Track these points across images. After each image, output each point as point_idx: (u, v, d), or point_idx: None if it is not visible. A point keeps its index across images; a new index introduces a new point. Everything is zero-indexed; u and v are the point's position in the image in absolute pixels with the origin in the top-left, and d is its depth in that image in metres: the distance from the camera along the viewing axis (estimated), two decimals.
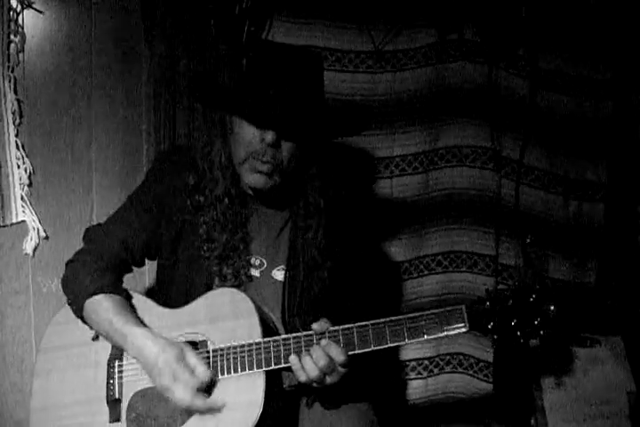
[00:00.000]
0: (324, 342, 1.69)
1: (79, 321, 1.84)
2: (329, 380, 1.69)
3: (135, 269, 1.99)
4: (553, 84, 2.64)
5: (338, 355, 1.67)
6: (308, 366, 1.67)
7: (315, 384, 1.70)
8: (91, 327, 1.82)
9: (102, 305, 1.78)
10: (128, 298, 1.84)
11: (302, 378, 1.69)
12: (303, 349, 1.71)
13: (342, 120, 1.93)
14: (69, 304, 1.85)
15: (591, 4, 2.59)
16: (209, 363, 1.73)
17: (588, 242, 2.73)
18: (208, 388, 1.70)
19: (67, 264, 1.91)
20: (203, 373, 1.67)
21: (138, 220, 1.89)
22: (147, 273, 2.30)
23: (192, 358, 1.69)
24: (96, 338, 1.84)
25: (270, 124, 1.73)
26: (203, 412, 1.68)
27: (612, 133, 2.69)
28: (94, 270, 1.83)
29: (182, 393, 1.65)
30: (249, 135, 1.77)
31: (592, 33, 2.63)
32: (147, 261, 2.00)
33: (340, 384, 1.71)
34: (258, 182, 1.80)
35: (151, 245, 1.92)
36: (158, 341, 1.71)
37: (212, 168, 1.86)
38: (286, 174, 1.81)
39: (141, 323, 1.78)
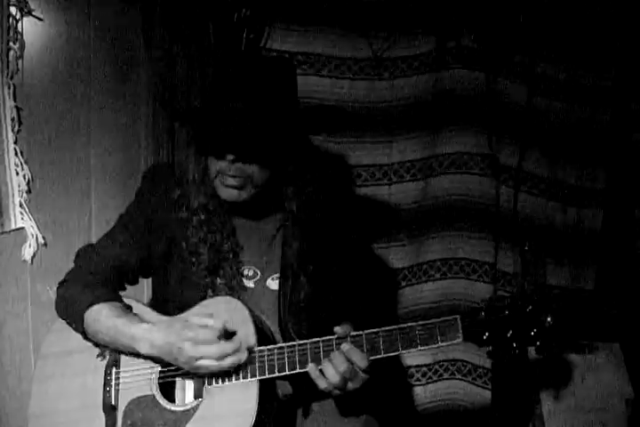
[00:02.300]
0: (346, 346, 1.67)
1: None
2: (351, 386, 1.68)
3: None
4: (551, 90, 2.64)
5: (361, 360, 1.65)
6: (329, 372, 1.66)
7: (336, 391, 1.68)
8: (95, 344, 1.82)
9: (102, 313, 1.77)
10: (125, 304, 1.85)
11: (322, 385, 1.67)
12: (298, 358, 1.70)
13: (311, 123, 1.96)
14: (69, 324, 1.84)
15: (590, 12, 2.59)
16: None
17: (587, 248, 2.73)
18: (227, 334, 1.69)
19: (59, 286, 1.91)
20: (215, 322, 1.67)
21: (129, 240, 1.90)
22: (145, 287, 2.29)
23: (195, 317, 1.70)
24: (101, 355, 1.83)
25: (225, 151, 1.74)
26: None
27: (611, 140, 2.69)
28: (87, 285, 1.84)
29: (209, 350, 1.64)
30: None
31: (591, 39, 2.63)
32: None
33: (361, 391, 1.69)
34: (231, 196, 1.80)
35: (144, 264, 1.93)
36: (161, 325, 1.72)
37: (190, 183, 1.88)
38: (260, 185, 1.80)
39: (144, 320, 1.77)
